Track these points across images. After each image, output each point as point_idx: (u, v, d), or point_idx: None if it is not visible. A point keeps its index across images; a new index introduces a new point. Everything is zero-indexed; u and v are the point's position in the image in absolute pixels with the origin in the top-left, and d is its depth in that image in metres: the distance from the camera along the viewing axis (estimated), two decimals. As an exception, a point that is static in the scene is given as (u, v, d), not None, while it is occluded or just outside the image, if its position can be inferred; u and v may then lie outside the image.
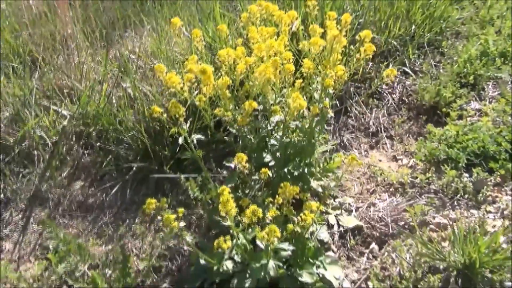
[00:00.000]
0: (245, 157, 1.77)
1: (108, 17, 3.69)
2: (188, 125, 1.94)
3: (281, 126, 2.15)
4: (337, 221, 2.23)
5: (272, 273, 1.53)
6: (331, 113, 2.11)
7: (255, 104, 1.97)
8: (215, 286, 1.87)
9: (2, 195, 2.61)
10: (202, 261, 1.83)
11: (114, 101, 2.80)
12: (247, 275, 1.69)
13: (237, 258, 1.82)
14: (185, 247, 2.15)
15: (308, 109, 2.10)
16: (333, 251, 2.10)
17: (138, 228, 2.33)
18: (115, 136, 2.68)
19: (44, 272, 2.09)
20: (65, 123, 2.75)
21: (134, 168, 2.57)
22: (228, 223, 1.44)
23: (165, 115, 1.83)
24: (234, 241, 1.52)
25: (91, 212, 2.49)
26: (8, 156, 2.74)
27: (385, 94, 3.14)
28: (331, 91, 1.98)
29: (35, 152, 2.75)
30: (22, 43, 3.34)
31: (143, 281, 2.01)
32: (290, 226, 1.58)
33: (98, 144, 2.73)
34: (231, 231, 1.54)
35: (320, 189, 2.22)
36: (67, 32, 3.24)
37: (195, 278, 1.92)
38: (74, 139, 2.81)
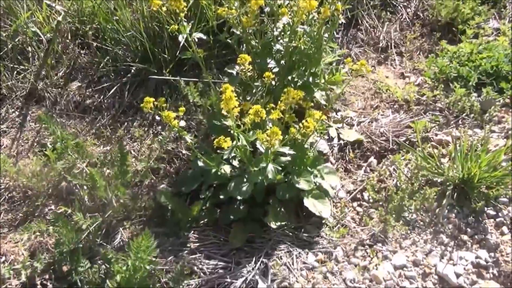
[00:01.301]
0: (248, 58, 1.69)
1: None
2: (190, 27, 1.82)
3: (288, 30, 2.03)
4: (338, 134, 2.20)
5: (270, 176, 1.52)
6: (342, 19, 1.97)
7: (261, 1, 1.83)
8: (213, 189, 1.89)
9: (-3, 91, 2.56)
10: (200, 164, 1.82)
11: (111, -2, 2.62)
12: (245, 179, 1.70)
13: (235, 163, 1.82)
14: (183, 151, 2.15)
15: (318, 13, 1.97)
16: (332, 163, 2.10)
17: (137, 131, 2.31)
18: (112, 36, 2.55)
19: (43, 168, 2.10)
20: (59, 18, 2.60)
21: (133, 70, 2.48)
22: (229, 122, 1.39)
23: (164, 9, 1.70)
24: (234, 142, 1.49)
25: (89, 113, 2.45)
26: (1, 51, 2.62)
27: (399, 7, 2.95)
28: (344, -7, 1.83)
29: (30, 48, 2.64)
30: None
31: (141, 181, 2.02)
32: (293, 129, 1.54)
33: (95, 44, 2.61)
34: (231, 132, 1.50)
35: (323, 101, 2.16)
36: None
37: (192, 180, 1.94)
38: (69, 37, 2.68)
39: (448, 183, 1.75)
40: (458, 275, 1.52)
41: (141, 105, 1.63)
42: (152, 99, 1.64)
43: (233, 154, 1.51)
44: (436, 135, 2.06)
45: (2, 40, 2.63)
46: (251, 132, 1.54)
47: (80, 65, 2.64)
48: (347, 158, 2.12)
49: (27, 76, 2.57)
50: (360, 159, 2.12)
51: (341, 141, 2.17)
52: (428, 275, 1.55)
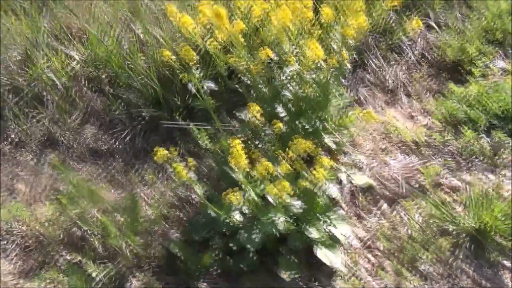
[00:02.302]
0: (258, 108, 1.72)
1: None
2: (200, 73, 1.88)
3: (296, 77, 2.07)
4: (348, 178, 2.20)
5: (281, 228, 1.53)
6: (348, 66, 2.01)
7: (270, 53, 1.88)
8: (223, 237, 1.89)
9: (13, 136, 2.62)
10: (210, 212, 1.83)
11: (125, 45, 2.71)
12: (256, 229, 1.70)
13: (245, 211, 1.82)
14: (195, 197, 2.16)
15: (325, 60, 2.01)
16: (343, 209, 2.09)
17: (149, 176, 2.33)
18: (125, 81, 2.63)
19: (56, 214, 2.13)
20: (75, 65, 2.69)
21: (145, 115, 2.53)
22: (238, 176, 1.41)
23: (174, 59, 1.76)
24: (244, 194, 1.51)
25: (102, 158, 2.49)
26: (19, 97, 2.71)
27: (405, 48, 3.00)
28: (350, 42, 1.88)
29: (46, 94, 2.72)
30: (30, -21, 3.20)
31: (152, 228, 2.03)
32: (302, 182, 1.55)
33: (108, 89, 2.68)
34: (241, 184, 1.52)
35: (332, 145, 2.17)
36: (77, -31, 3.08)
37: (203, 228, 1.94)
38: (84, 83, 2.76)
39: (462, 233, 1.73)
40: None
41: (154, 157, 1.66)
42: (164, 150, 1.67)
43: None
44: (448, 179, 2.06)
45: (19, 87, 2.72)
46: (260, 184, 1.56)
47: (94, 110, 2.70)
48: (358, 204, 2.11)
49: (43, 121, 2.64)
50: (372, 204, 2.11)
51: (352, 186, 2.17)
52: (444, 332, 1.51)
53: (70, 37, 2.85)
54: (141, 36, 2.69)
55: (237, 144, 1.41)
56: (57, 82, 2.70)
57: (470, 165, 2.14)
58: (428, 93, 2.76)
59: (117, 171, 2.40)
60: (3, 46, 2.91)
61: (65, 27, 2.94)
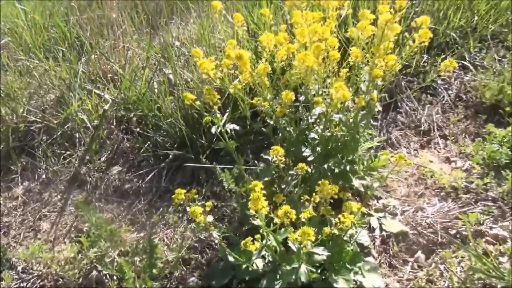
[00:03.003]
0: (281, 150, 1.66)
1: (155, 3, 3.68)
2: (226, 114, 1.85)
3: (323, 118, 2.01)
4: (380, 224, 2.06)
5: (303, 278, 1.41)
6: (378, 107, 1.93)
7: (292, 96, 1.84)
8: (244, 284, 1.78)
9: (44, 176, 2.67)
10: (231, 258, 1.74)
11: (155, 87, 2.76)
12: (278, 276, 1.58)
13: (267, 257, 1.72)
14: (216, 241, 2.07)
15: (354, 101, 1.95)
16: (374, 257, 1.94)
17: (171, 218, 2.28)
18: (154, 122, 2.65)
19: (76, 255, 2.09)
20: (106, 107, 2.75)
21: (171, 156, 2.52)
22: (258, 222, 1.33)
23: (198, 103, 1.75)
24: (264, 241, 1.41)
25: (127, 198, 2.47)
26: (51, 138, 2.78)
27: (440, 89, 2.89)
28: (379, 82, 1.81)
29: (77, 135, 2.79)
30: (70, 27, 3.39)
31: (171, 273, 1.95)
32: (326, 229, 1.44)
33: (137, 129, 2.71)
34: (261, 230, 1.43)
35: (362, 189, 2.06)
36: (114, 17, 3.25)
37: (223, 274, 1.84)
38: (114, 123, 2.81)
39: (509, 289, 1.54)
40: None
41: (173, 196, 1.61)
42: (184, 191, 1.63)
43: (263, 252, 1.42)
44: (491, 229, 1.87)
45: (52, 127, 2.80)
46: (283, 229, 1.46)
47: (122, 150, 2.73)
48: (391, 252, 1.95)
49: (72, 161, 2.68)
50: (406, 253, 1.95)
51: (384, 233, 2.02)
52: None
53: (105, 81, 2.95)
54: (171, 78, 2.74)
55: (257, 186, 1.33)
56: (88, 124, 2.76)
57: (515, 213, 1.95)
58: (466, 136, 2.61)
59: (140, 212, 2.37)
60: (41, 89, 3.05)
61: (101, 71, 3.06)
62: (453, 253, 1.79)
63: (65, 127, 2.80)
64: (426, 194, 2.24)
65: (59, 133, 2.78)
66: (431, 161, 2.48)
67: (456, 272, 1.68)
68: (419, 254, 1.90)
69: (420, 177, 2.37)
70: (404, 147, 2.59)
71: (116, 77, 2.99)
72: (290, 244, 1.45)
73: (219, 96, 1.76)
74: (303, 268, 1.42)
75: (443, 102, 2.82)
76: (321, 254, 1.41)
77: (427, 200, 2.19)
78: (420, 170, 2.40)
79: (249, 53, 1.68)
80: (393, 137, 2.65)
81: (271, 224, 1.42)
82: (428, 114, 2.75)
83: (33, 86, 3.06)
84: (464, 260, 1.73)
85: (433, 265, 1.78)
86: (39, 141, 2.77)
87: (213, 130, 1.76)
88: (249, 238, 1.41)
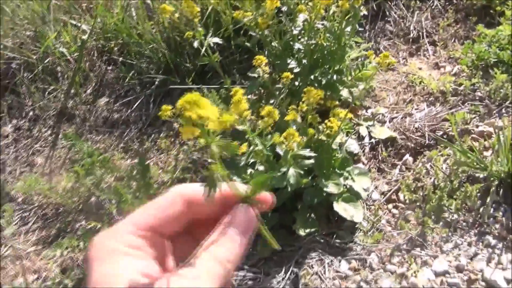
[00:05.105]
0: (264, 59, 1.62)
1: None
2: (205, 32, 1.79)
3: (307, 28, 1.95)
4: (369, 132, 2.08)
5: (292, 181, 1.44)
6: (364, 11, 1.86)
7: (276, 2, 1.76)
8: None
9: (31, 113, 2.64)
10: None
11: (133, 14, 2.65)
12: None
13: (260, 168, 1.75)
14: (209, 160, 2.10)
15: (337, 7, 1.87)
16: (363, 163, 1.98)
17: (163, 143, 2.29)
18: (136, 49, 2.57)
19: (73, 184, 2.13)
20: (85, 37, 2.66)
21: (157, 82, 2.48)
22: (242, 127, 1.33)
23: (177, 15, 1.68)
24: (251, 147, 1.42)
25: (117, 127, 2.47)
26: (32, 73, 2.71)
27: (429, -6, 2.78)
28: (364, -17, 1.73)
29: (59, 68, 2.71)
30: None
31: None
32: (311, 130, 1.45)
33: (120, 59, 2.64)
34: (247, 137, 1.44)
35: (350, 99, 2.05)
36: None
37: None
38: (96, 54, 2.73)
39: (492, 179, 1.59)
40: (508, 281, 1.36)
41: (159, 114, 1.61)
42: (169, 107, 1.61)
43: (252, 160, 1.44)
44: (477, 126, 1.90)
45: (32, 63, 2.72)
46: (269, 136, 1.47)
47: (107, 81, 2.68)
48: (380, 157, 2.00)
49: (57, 96, 2.64)
50: (394, 157, 1.99)
51: (373, 140, 2.05)
52: (473, 281, 1.40)
53: (80, 11, 2.81)
54: (149, 2, 2.62)
55: (238, 91, 1.32)
56: (69, 56, 2.68)
57: (502, 110, 1.97)
58: (455, 40, 2.56)
59: (131, 140, 2.38)
60: (15, 25, 2.91)
61: (74, 0, 2.91)
62: (439, 152, 1.83)
63: (45, 62, 2.71)
64: (414, 100, 2.24)
65: (40, 68, 2.71)
66: (420, 68, 2.45)
67: (442, 168, 1.73)
68: (407, 157, 1.95)
69: (409, 85, 2.35)
70: (393, 56, 2.55)
71: (91, 6, 2.85)
72: (277, 150, 1.47)
73: (198, 9, 1.68)
74: (292, 171, 1.45)
75: (433, 7, 2.73)
76: (308, 155, 1.43)
77: (415, 106, 2.20)
78: (409, 78, 2.38)
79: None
80: (381, 47, 2.59)
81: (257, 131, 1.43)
82: (417, 21, 2.67)
83: (7, 23, 2.93)
84: (449, 158, 1.77)
85: (420, 165, 1.83)
86: (21, 78, 2.70)
87: (195, 44, 1.71)
88: (235, 142, 1.42)
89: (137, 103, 2.50)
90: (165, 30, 2.47)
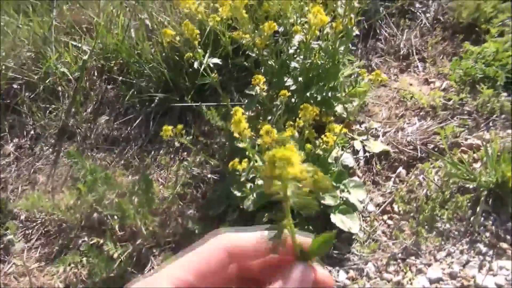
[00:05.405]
0: (262, 78, 1.70)
1: None
2: (205, 51, 1.87)
3: (303, 47, 2.03)
4: (363, 146, 2.15)
5: (291, 196, 1.50)
6: (356, 31, 1.96)
7: (274, 26, 1.85)
8: (239, 210, 1.88)
9: (32, 132, 2.69)
10: (225, 187, 1.83)
11: (132, 34, 2.73)
12: (262, 195, 1.68)
13: (259, 182, 1.81)
14: (209, 175, 2.17)
15: (332, 28, 1.97)
16: (358, 177, 2.05)
17: (163, 159, 2.35)
18: (135, 69, 2.65)
19: (76, 201, 2.17)
20: (85, 57, 2.73)
21: (156, 100, 2.55)
22: (242, 144, 1.39)
23: (178, 38, 1.76)
24: (251, 163, 1.49)
25: (117, 145, 2.53)
26: (34, 93, 2.77)
27: (418, 13, 2.90)
28: (356, 4, 1.82)
29: (59, 88, 2.78)
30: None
31: (169, 208, 2.05)
32: (308, 145, 1.52)
33: (120, 78, 2.71)
34: (247, 153, 1.51)
35: (345, 114, 2.13)
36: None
37: (219, 204, 1.94)
38: (96, 74, 2.80)
39: (481, 189, 1.67)
40: (499, 286, 1.42)
41: (161, 133, 1.67)
42: (170, 127, 1.68)
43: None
44: (466, 139, 1.98)
45: (34, 83, 2.79)
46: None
47: (107, 99, 2.74)
48: (374, 171, 2.07)
49: (58, 115, 2.69)
50: (388, 170, 2.06)
51: (367, 154, 2.12)
52: (466, 287, 1.46)
53: (80, 32, 2.89)
54: (148, 23, 2.71)
55: (238, 110, 1.39)
56: (70, 76, 2.75)
57: (489, 123, 2.06)
58: (444, 57, 2.66)
59: (132, 157, 2.43)
60: (16, 46, 2.98)
61: (75, 22, 2.99)
62: (431, 165, 1.90)
63: (47, 81, 2.78)
64: (406, 115, 2.33)
65: (41, 88, 2.77)
66: (410, 84, 2.55)
67: (434, 179, 1.80)
68: (400, 169, 2.02)
69: (400, 100, 2.44)
70: (385, 72, 2.64)
71: (91, 27, 2.93)
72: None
73: (198, 31, 1.76)
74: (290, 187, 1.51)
75: (421, 25, 2.84)
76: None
77: (407, 120, 2.28)
78: (400, 93, 2.47)
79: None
80: (373, 64, 2.69)
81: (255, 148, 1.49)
82: (407, 39, 2.78)
83: (8, 44, 3.00)
84: (441, 169, 1.84)
85: (413, 177, 1.90)
86: (22, 97, 2.76)
87: (195, 65, 1.78)
88: (236, 159, 1.48)
89: (137, 121, 2.57)
90: (164, 50, 2.55)
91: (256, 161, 1.41)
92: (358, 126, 2.30)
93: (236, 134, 1.36)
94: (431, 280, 1.49)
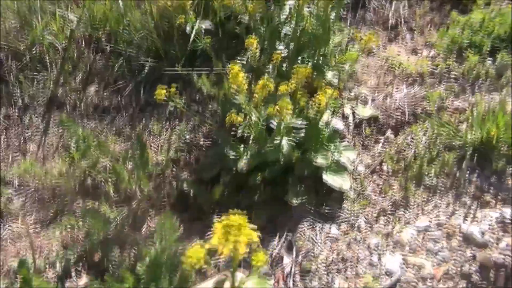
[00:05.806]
0: (255, 41, 1.72)
1: None
2: (199, 19, 1.87)
3: (295, 14, 2.05)
4: (353, 112, 2.20)
5: (285, 149, 1.54)
6: (346, -2, 1.98)
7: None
8: (231, 173, 1.92)
9: (20, 101, 2.66)
10: (218, 150, 1.86)
11: (120, 2, 2.70)
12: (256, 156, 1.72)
13: (253, 144, 1.85)
14: (202, 140, 2.19)
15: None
16: (348, 141, 2.10)
17: (155, 127, 2.36)
18: (124, 38, 2.62)
19: (68, 168, 2.18)
20: (73, 27, 2.69)
21: (146, 69, 2.54)
22: (239, 98, 1.42)
23: (170, 3, 1.76)
24: (247, 118, 1.52)
25: (108, 114, 2.52)
26: (21, 62, 2.73)
27: (406, -16, 2.93)
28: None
29: (47, 58, 2.74)
30: None
31: (163, 172, 2.07)
32: (303, 100, 1.55)
33: (108, 47, 2.68)
34: (243, 109, 1.54)
35: (335, 80, 2.17)
36: None
37: (212, 167, 1.98)
38: (84, 43, 2.77)
39: (467, 146, 1.74)
40: (483, 233, 1.50)
41: (155, 93, 1.68)
42: (164, 88, 1.70)
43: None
44: (453, 103, 2.05)
45: (20, 52, 2.74)
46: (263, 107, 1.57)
47: (96, 69, 2.71)
48: (363, 134, 2.12)
49: (46, 84, 2.66)
50: (377, 134, 2.12)
51: (357, 119, 2.17)
52: (452, 235, 1.54)
53: (66, 1, 2.84)
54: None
55: (234, 66, 1.41)
56: (58, 46, 2.71)
57: (475, 88, 2.12)
58: (431, 27, 2.71)
59: (124, 124, 2.43)
60: (0, 15, 2.92)
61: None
62: (419, 127, 1.96)
63: (33, 51, 2.73)
64: (394, 82, 2.38)
65: (28, 58, 2.72)
66: (399, 53, 2.59)
67: (421, 140, 1.87)
68: (389, 133, 2.08)
69: (388, 68, 2.49)
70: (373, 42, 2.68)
71: (78, -4, 2.88)
72: (271, 122, 1.56)
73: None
74: (285, 141, 1.55)
75: (410, -4, 2.88)
76: (300, 125, 1.53)
77: (395, 87, 2.33)
78: (389, 62, 2.51)
79: None
80: (362, 33, 2.72)
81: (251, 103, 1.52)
82: (395, 10, 2.82)
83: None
84: (428, 130, 1.91)
85: (401, 139, 1.96)
86: (9, 67, 2.71)
87: (187, 29, 1.79)
88: (233, 111, 1.51)
89: (127, 90, 2.56)
90: (154, 18, 2.53)
91: (251, 116, 1.44)
92: (348, 93, 2.34)
93: (233, 88, 1.38)
94: (419, 230, 1.56)
